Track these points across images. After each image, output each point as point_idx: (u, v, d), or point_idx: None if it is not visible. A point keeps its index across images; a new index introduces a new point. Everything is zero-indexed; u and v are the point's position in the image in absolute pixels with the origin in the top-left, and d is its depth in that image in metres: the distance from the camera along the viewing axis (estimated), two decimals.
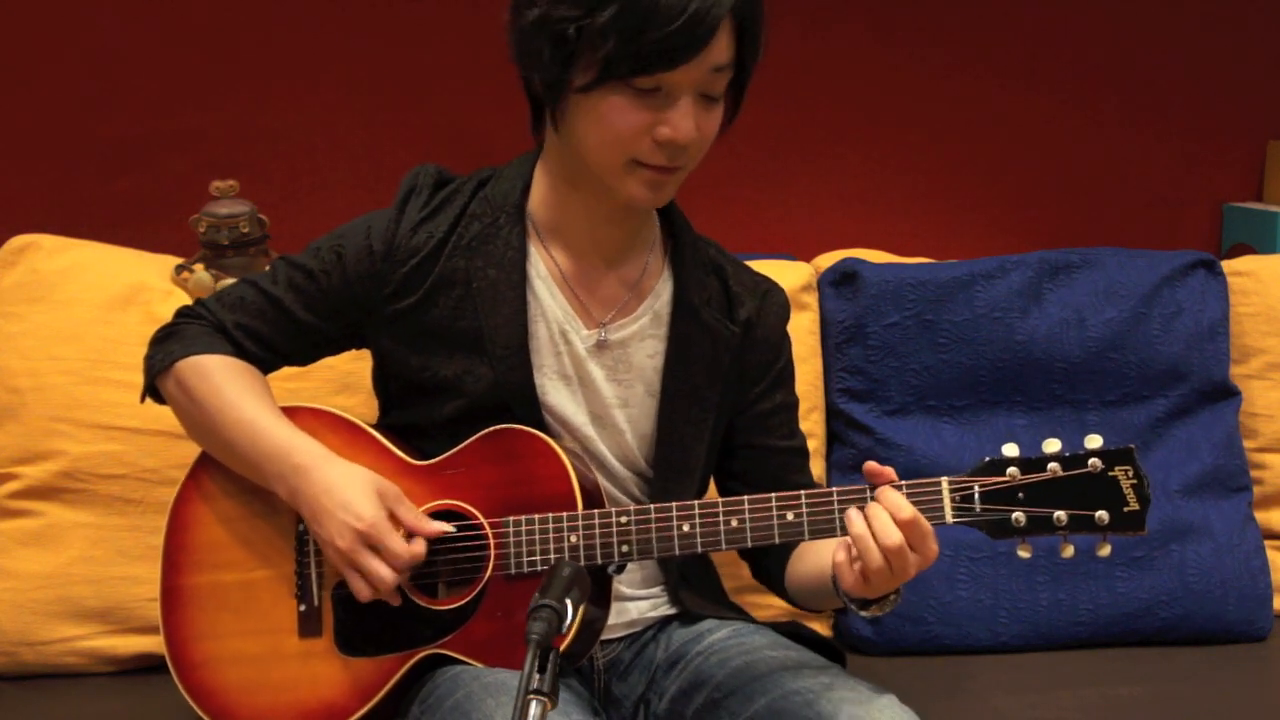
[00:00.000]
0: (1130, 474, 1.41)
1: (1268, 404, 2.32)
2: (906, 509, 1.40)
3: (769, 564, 1.73)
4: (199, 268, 2.09)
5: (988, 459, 1.44)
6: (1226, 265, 2.35)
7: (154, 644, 1.92)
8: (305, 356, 1.70)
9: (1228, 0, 2.64)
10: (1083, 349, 2.21)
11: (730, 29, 1.47)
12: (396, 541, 1.49)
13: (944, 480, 1.44)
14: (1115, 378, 2.22)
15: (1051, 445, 1.43)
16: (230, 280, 2.00)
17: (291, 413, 1.62)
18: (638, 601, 1.68)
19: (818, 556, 1.60)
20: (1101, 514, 1.41)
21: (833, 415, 2.23)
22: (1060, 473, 1.42)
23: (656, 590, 1.70)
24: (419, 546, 1.50)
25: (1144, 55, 2.64)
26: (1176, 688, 2.01)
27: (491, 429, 1.56)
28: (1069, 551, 1.43)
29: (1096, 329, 2.21)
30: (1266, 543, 2.25)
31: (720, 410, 1.68)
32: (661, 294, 1.66)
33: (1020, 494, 1.42)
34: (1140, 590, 2.14)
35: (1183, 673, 2.07)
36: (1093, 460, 1.42)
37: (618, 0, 1.41)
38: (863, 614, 1.51)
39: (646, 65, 1.43)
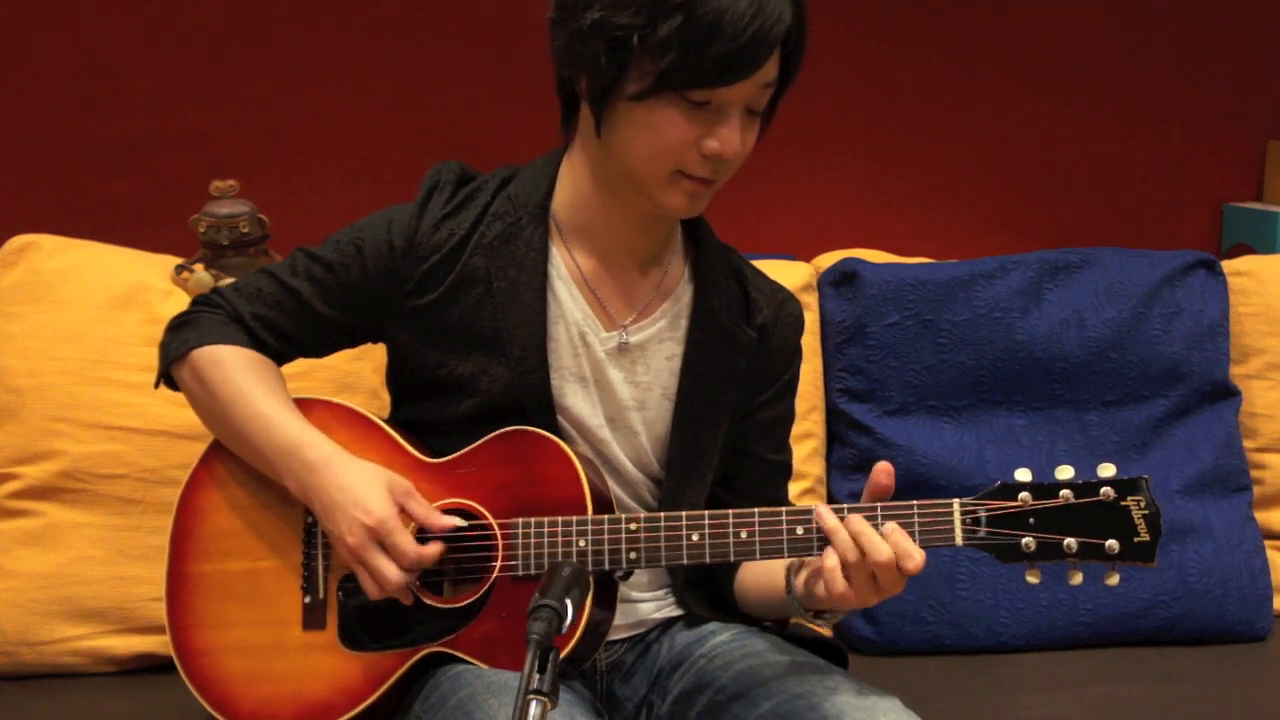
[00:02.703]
0: (1142, 504, 1.40)
1: (1268, 404, 2.32)
2: (915, 558, 1.40)
3: (718, 572, 1.71)
4: (199, 268, 2.09)
5: (999, 483, 1.43)
6: (1226, 265, 2.35)
7: (154, 644, 1.92)
8: (321, 349, 1.69)
9: (1227, 0, 2.64)
10: (1083, 349, 2.21)
11: (779, 46, 1.48)
12: (405, 539, 1.48)
13: (955, 502, 1.43)
14: (1115, 378, 2.22)
15: (1064, 472, 1.43)
16: (230, 280, 2.00)
17: (305, 406, 1.61)
18: (642, 603, 1.68)
19: (769, 565, 1.60)
20: (1112, 543, 1.40)
21: (833, 415, 2.23)
22: (1072, 500, 1.41)
23: (661, 592, 1.69)
24: (431, 549, 1.50)
25: (1144, 55, 2.64)
26: (1176, 688, 2.01)
27: (505, 430, 1.55)
28: (1077, 579, 1.43)
29: (1096, 329, 2.21)
30: (1266, 543, 2.25)
31: (734, 414, 1.68)
32: (682, 297, 1.66)
33: (1031, 519, 1.42)
34: (1140, 590, 2.14)
35: (1183, 673, 2.07)
36: (1105, 489, 1.41)
37: (682, 12, 1.41)
38: (817, 621, 1.52)
39: (705, 80, 1.44)
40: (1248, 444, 2.30)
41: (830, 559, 1.42)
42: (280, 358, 1.66)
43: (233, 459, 1.63)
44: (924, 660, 2.10)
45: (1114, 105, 2.64)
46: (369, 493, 1.49)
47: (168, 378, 1.67)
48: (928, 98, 2.58)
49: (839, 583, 1.41)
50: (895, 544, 1.40)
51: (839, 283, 2.23)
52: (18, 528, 1.97)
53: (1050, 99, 2.61)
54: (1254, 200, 2.72)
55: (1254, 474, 2.30)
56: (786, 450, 1.77)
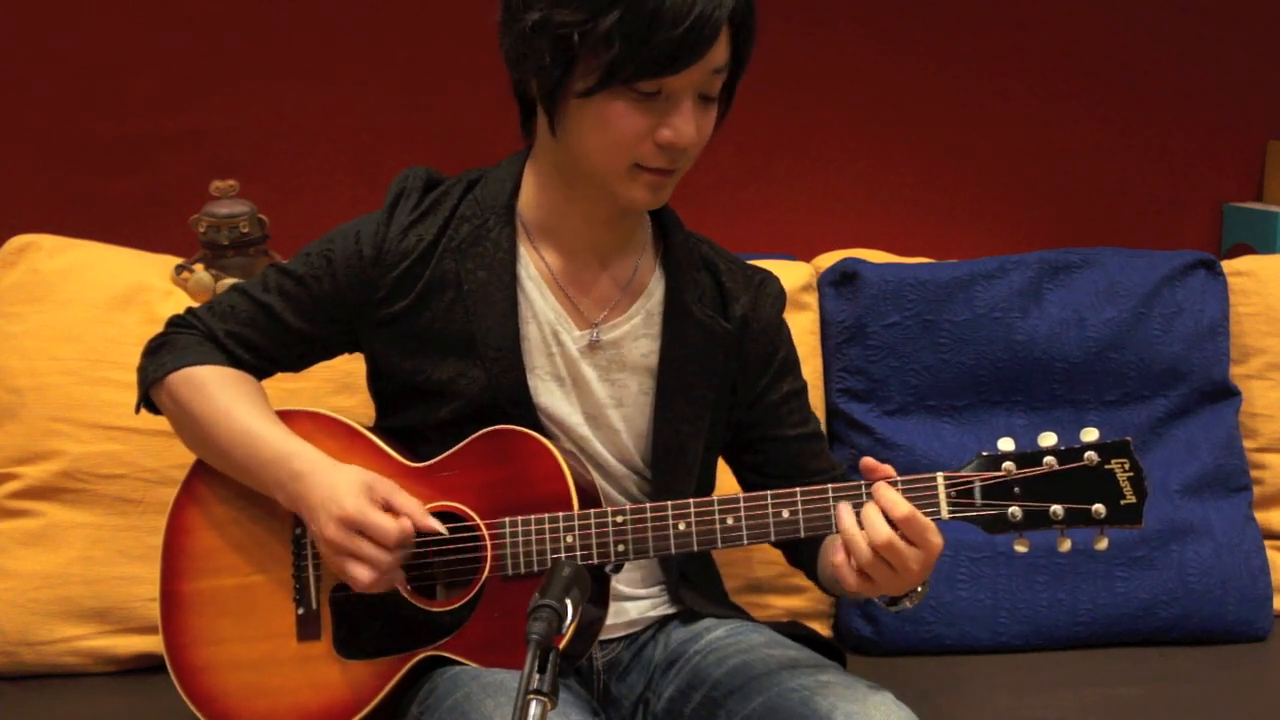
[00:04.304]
0: (1127, 466, 1.41)
1: (1268, 404, 2.32)
2: (901, 506, 1.39)
3: (801, 552, 1.73)
4: (199, 268, 2.09)
5: (984, 453, 1.44)
6: (1226, 265, 2.35)
7: (154, 644, 1.91)
8: (298, 362, 1.70)
9: (1227, 0, 2.64)
10: (1083, 349, 2.21)
11: (727, 30, 1.47)
12: (381, 518, 1.47)
13: (939, 475, 1.43)
14: (1115, 378, 2.22)
15: (1047, 439, 1.43)
16: (230, 280, 2.00)
17: (287, 416, 1.62)
18: (637, 601, 1.68)
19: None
20: (1098, 507, 1.41)
21: (833, 415, 2.23)
22: (1056, 466, 1.41)
23: (656, 590, 1.70)
24: (406, 522, 1.49)
25: (1143, 55, 2.63)
26: (1176, 688, 2.01)
27: (487, 430, 1.56)
28: (1066, 545, 1.43)
29: (1096, 329, 2.21)
30: (1266, 543, 2.25)
31: (718, 407, 1.68)
32: (654, 293, 1.66)
33: (1016, 488, 1.42)
34: (1140, 590, 2.14)
35: (1183, 673, 2.07)
36: (1089, 453, 1.41)
37: (621, 4, 1.41)
38: (892, 609, 1.51)
39: (651, 70, 1.43)
40: (1248, 444, 2.30)
41: (838, 555, 1.42)
42: (258, 373, 1.67)
43: (216, 476, 1.64)
44: (924, 660, 2.10)
45: (1114, 105, 2.64)
46: (341, 489, 1.49)
47: (149, 402, 1.67)
48: (928, 98, 2.58)
49: (850, 578, 1.42)
50: (880, 497, 1.40)
51: (839, 283, 2.23)
52: (18, 528, 1.97)
53: (1050, 99, 2.61)
54: (1254, 200, 2.72)
55: (1254, 474, 2.29)
56: (811, 421, 1.77)
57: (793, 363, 1.76)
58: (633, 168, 1.51)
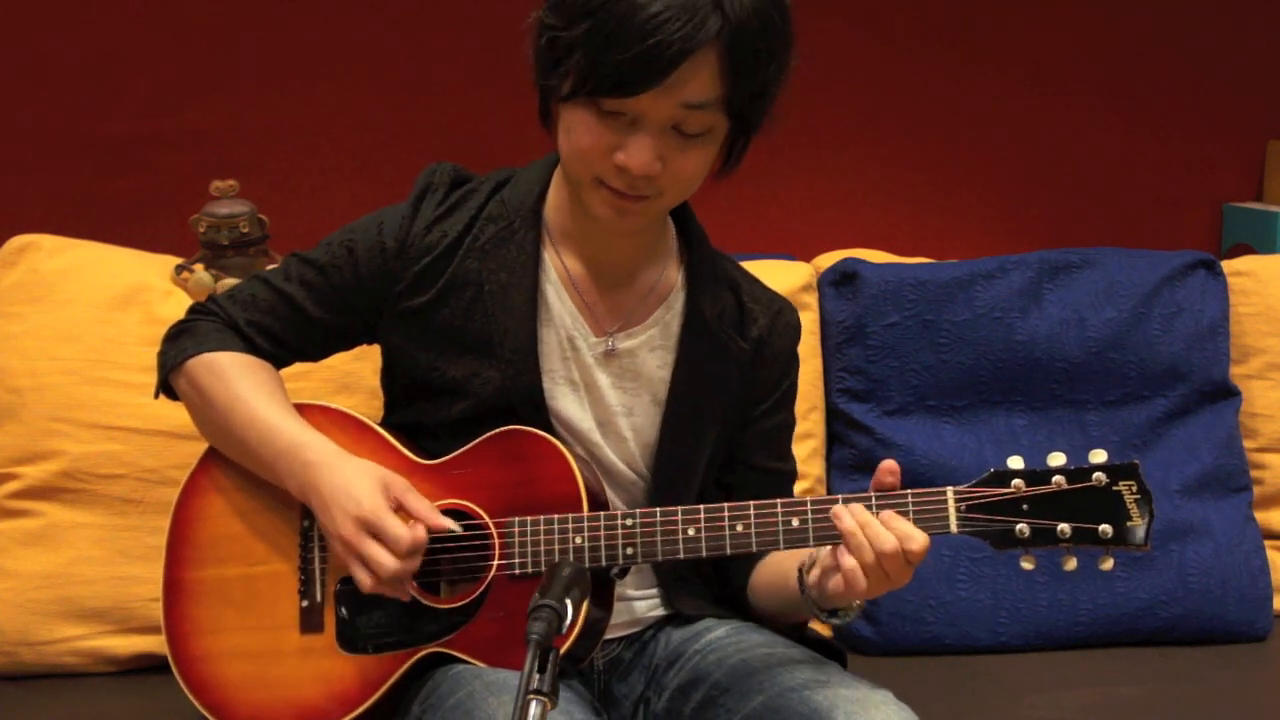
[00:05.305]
0: (1134, 489, 1.42)
1: (1268, 404, 2.32)
2: (918, 540, 1.41)
3: (733, 572, 1.72)
4: (199, 268, 2.09)
5: (993, 470, 1.45)
6: (1226, 265, 2.35)
7: (154, 644, 1.92)
8: (317, 352, 1.70)
9: (1227, 0, 2.64)
10: (1083, 349, 2.21)
11: (714, 65, 1.42)
12: (395, 525, 1.47)
13: (949, 490, 1.44)
14: (1115, 378, 2.22)
15: (1056, 459, 1.44)
16: (231, 280, 2.00)
17: (300, 410, 1.61)
18: (639, 601, 1.68)
19: (782, 561, 1.61)
20: (1105, 528, 1.42)
21: (833, 415, 2.23)
22: (1065, 485, 1.43)
23: (657, 590, 1.70)
24: (420, 531, 1.48)
25: (1144, 55, 2.64)
26: (1176, 688, 2.01)
27: (499, 430, 1.56)
28: (1071, 564, 1.44)
29: (1096, 329, 2.21)
30: (1266, 543, 2.25)
31: (724, 424, 1.68)
32: (674, 306, 1.65)
33: (1024, 506, 1.43)
34: (1140, 590, 2.14)
35: (1183, 673, 2.07)
36: (1097, 474, 1.42)
37: (591, 19, 1.40)
38: (832, 621, 1.52)
39: (604, 88, 1.41)
40: (1248, 444, 2.30)
41: (848, 560, 1.43)
42: (277, 362, 1.66)
43: (228, 465, 1.63)
44: (924, 660, 2.10)
45: (1114, 105, 2.64)
46: (359, 485, 1.49)
47: (167, 388, 1.67)
48: (928, 98, 2.58)
49: (861, 581, 1.42)
50: (896, 529, 1.41)
51: (839, 283, 2.23)
52: (18, 528, 1.97)
53: (1050, 98, 2.62)
54: (1254, 200, 2.72)
55: (1254, 474, 2.30)
56: (789, 459, 1.77)
57: (792, 397, 1.76)
58: (595, 181, 1.49)
